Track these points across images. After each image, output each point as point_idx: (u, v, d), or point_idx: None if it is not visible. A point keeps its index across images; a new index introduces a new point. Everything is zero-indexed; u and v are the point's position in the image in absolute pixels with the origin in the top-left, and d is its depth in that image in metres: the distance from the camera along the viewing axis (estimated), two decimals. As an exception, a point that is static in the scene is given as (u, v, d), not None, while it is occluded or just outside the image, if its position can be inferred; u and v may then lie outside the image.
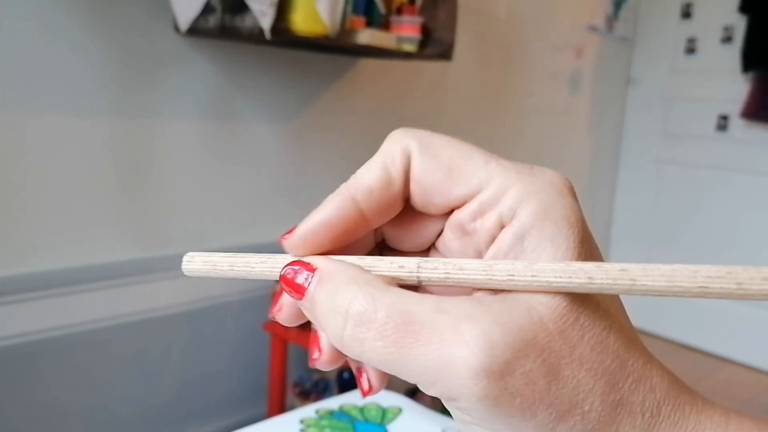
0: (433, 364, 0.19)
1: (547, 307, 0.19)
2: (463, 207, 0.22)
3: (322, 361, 0.23)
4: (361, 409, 0.70)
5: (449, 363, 0.19)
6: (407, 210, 0.24)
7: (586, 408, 0.19)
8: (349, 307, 0.20)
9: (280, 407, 1.59)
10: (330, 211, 0.22)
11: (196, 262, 0.23)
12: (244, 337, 1.65)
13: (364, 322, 0.20)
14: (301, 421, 0.67)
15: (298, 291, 0.22)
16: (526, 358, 0.19)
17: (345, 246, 0.24)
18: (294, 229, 0.23)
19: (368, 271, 0.22)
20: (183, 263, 0.23)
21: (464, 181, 0.22)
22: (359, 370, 0.23)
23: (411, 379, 0.20)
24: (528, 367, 0.19)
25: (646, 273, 0.19)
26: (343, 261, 0.22)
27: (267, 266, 0.23)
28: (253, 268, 0.23)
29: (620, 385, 0.20)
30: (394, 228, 0.25)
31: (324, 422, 0.67)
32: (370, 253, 0.25)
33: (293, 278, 0.22)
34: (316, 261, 0.22)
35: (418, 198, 0.23)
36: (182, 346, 1.53)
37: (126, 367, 1.44)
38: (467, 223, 0.22)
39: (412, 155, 0.23)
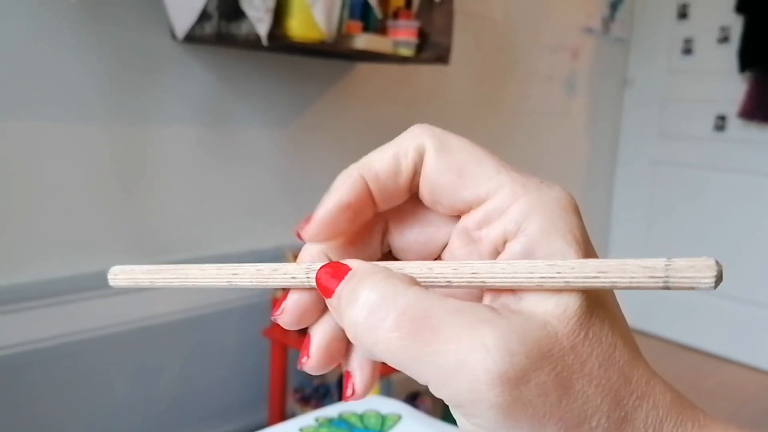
0: (447, 364, 0.18)
1: (560, 321, 0.19)
2: (470, 214, 0.23)
3: (309, 365, 0.23)
4: (361, 417, 0.70)
5: (465, 365, 0.18)
6: (413, 221, 0.24)
7: (594, 424, 0.19)
8: (368, 297, 0.20)
9: (280, 413, 1.59)
10: (345, 191, 0.23)
11: (119, 279, 0.25)
12: (244, 343, 1.64)
13: (381, 308, 0.20)
14: (300, 429, 0.67)
15: (329, 289, 0.22)
16: (541, 370, 0.18)
17: (356, 233, 0.24)
18: (309, 218, 0.23)
19: (395, 272, 0.21)
20: (109, 278, 0.25)
21: (473, 186, 0.22)
22: (348, 374, 0.23)
23: (422, 378, 0.19)
24: (542, 378, 0.18)
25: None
26: (374, 264, 0.22)
27: (179, 275, 0.24)
28: (172, 282, 0.24)
29: (625, 402, 0.20)
30: (400, 237, 0.25)
31: (323, 430, 0.67)
32: None
33: (327, 280, 0.22)
34: (350, 262, 0.22)
35: (427, 195, 0.23)
36: (182, 353, 1.53)
37: (126, 375, 1.44)
38: (473, 230, 0.23)
39: (427, 153, 0.23)
